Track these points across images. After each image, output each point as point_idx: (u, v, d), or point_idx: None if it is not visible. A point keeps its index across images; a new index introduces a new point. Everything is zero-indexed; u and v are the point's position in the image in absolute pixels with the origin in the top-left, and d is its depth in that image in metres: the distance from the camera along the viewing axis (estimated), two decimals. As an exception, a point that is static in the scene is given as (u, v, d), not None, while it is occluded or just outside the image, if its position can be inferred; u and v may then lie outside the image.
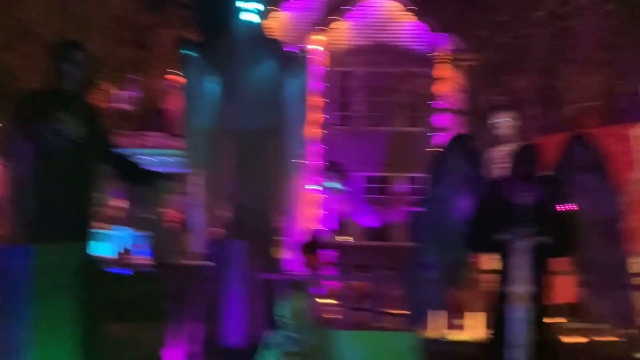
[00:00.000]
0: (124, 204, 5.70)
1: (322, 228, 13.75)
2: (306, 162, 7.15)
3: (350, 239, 13.42)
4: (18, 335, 3.43)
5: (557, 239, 4.96)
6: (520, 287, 4.84)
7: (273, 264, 6.50)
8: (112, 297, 4.47)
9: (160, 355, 5.02)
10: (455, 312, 7.81)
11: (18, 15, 7.90)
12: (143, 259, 10.48)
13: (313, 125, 7.04)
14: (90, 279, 4.25)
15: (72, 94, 4.37)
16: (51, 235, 4.23)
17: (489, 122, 7.46)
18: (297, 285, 6.50)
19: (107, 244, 13.29)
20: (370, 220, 12.01)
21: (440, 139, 13.89)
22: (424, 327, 6.11)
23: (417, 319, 5.79)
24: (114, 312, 4.57)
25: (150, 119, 14.84)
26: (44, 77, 5.10)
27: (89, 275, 4.18)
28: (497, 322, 5.24)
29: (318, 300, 6.41)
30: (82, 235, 4.27)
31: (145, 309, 4.91)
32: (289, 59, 6.89)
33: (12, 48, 8.18)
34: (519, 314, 4.85)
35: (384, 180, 14.63)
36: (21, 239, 4.20)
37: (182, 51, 6.86)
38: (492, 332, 5.38)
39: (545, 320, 5.06)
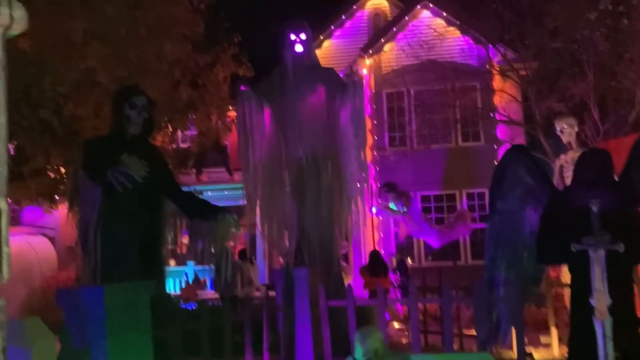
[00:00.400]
0: (186, 239, 5.84)
1: (383, 251, 13.60)
2: (367, 185, 7.09)
3: (412, 261, 13.20)
4: (96, 374, 3.50)
5: (634, 244, 4.69)
6: (600, 299, 4.59)
7: (339, 290, 6.44)
8: (182, 332, 4.55)
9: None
10: (532, 329, 7.50)
11: (81, 67, 8.35)
12: (208, 293, 10.64)
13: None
14: (161, 315, 4.35)
15: (135, 137, 4.55)
16: (121, 274, 4.36)
17: (550, 130, 7.24)
18: (364, 311, 6.42)
19: (171, 280, 13.61)
20: (432, 240, 11.76)
21: (499, 152, 13.57)
22: (499, 347, 5.88)
23: (491, 339, 5.58)
24: (185, 347, 4.65)
25: (210, 155, 15.25)
26: (108, 123, 5.33)
27: (159, 312, 4.28)
28: (578, 338, 4.98)
29: (386, 324, 6.29)
30: (152, 273, 4.39)
31: (215, 343, 4.98)
32: (342, 85, 6.93)
33: (76, 98, 8.63)
34: (601, 327, 4.60)
35: (443, 198, 14.38)
36: (92, 280, 4.35)
37: (235, 87, 7.04)
38: (573, 348, 5.12)
39: (631, 333, 4.77)
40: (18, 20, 0.69)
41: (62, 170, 9.79)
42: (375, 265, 10.86)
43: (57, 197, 10.24)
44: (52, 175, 9.87)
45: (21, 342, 2.27)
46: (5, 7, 0.56)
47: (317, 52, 10.51)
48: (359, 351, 3.22)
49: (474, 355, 4.55)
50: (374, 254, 11.29)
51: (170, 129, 11.80)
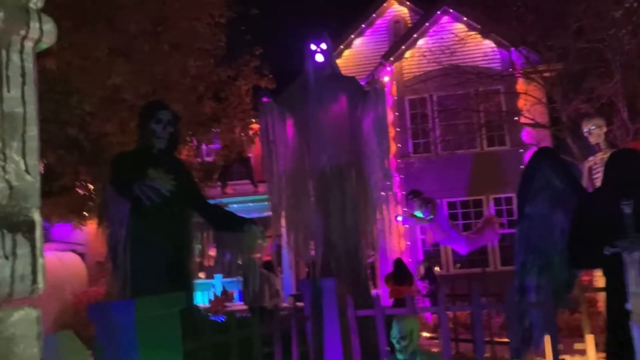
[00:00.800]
0: (214, 251, 5.87)
1: (410, 259, 13.49)
2: (392, 193, 7.05)
3: (439, 269, 13.06)
4: (128, 388, 3.52)
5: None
6: (637, 303, 4.47)
7: (367, 300, 6.40)
8: (212, 344, 4.56)
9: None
10: (566, 336, 7.34)
11: (106, 84, 8.53)
12: (236, 305, 10.67)
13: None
14: (190, 327, 4.37)
15: (161, 151, 4.61)
16: (151, 288, 4.40)
17: (578, 131, 7.11)
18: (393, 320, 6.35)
19: (200, 292, 13.71)
20: (460, 247, 11.63)
21: (525, 156, 13.39)
22: (532, 354, 5.76)
23: (523, 346, 5.47)
24: (215, 359, 4.65)
25: (234, 168, 15.38)
26: (134, 139, 5.41)
27: (189, 324, 4.30)
28: (615, 343, 4.85)
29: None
30: (181, 286, 4.41)
31: (244, 354, 4.97)
32: (364, 93, 6.92)
33: (102, 115, 8.80)
34: (639, 332, 4.48)
35: (470, 204, 14.23)
36: (122, 294, 4.39)
37: (257, 99, 7.09)
38: (611, 354, 4.98)
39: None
40: (47, 34, 0.70)
41: (91, 186, 9.96)
42: (400, 274, 10.77)
43: (86, 214, 10.42)
44: (80, 192, 10.05)
45: (55, 357, 2.29)
46: (35, 21, 0.58)
47: (338, 61, 10.54)
48: (395, 331, 3.26)
49: (508, 363, 4.46)
50: (398, 262, 11.20)
51: (195, 143, 11.93)
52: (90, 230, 11.40)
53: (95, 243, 11.32)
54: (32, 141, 0.58)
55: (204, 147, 13.58)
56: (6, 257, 0.56)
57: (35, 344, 0.56)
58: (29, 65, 0.57)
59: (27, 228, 0.57)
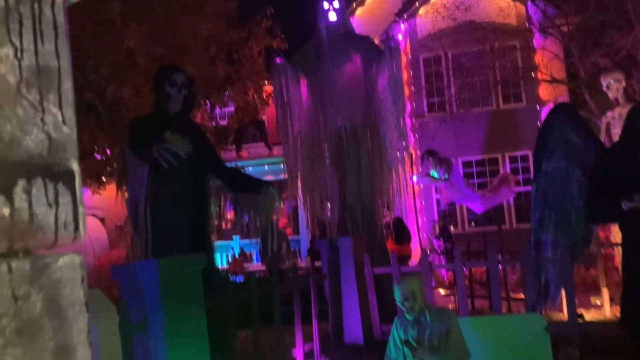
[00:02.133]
0: (231, 214, 5.95)
1: (424, 219, 13.54)
2: (407, 153, 7.02)
3: (455, 228, 13.11)
4: (154, 346, 3.64)
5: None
6: (654, 258, 4.47)
7: (383, 258, 6.48)
8: (234, 304, 4.67)
9: (285, 357, 5.18)
10: (582, 291, 7.39)
11: (120, 48, 8.52)
12: (255, 265, 10.84)
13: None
14: (212, 287, 4.47)
15: (176, 115, 4.63)
16: (172, 249, 4.50)
17: (595, 86, 6.99)
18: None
19: (218, 254, 13.93)
20: (476, 205, 11.63)
21: (542, 113, 13.21)
22: (548, 309, 5.83)
23: (540, 302, 5.53)
24: (236, 317, 4.77)
25: (249, 131, 15.39)
26: (149, 103, 5.43)
27: (210, 283, 4.40)
28: (631, 297, 4.88)
29: (432, 290, 6.30)
30: (201, 246, 4.50)
31: (264, 313, 5.09)
32: (378, 52, 6.84)
33: (117, 80, 8.81)
34: (656, 286, 4.50)
35: (485, 163, 14.15)
36: (144, 256, 4.49)
37: (270, 60, 7.04)
38: (626, 307, 5.02)
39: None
40: (78, -12, 0.71)
41: (108, 151, 10.06)
42: (400, 233, 10.83)
43: (104, 179, 10.55)
44: (99, 156, 10.16)
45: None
46: (65, -24, 0.59)
47: (351, 20, 10.38)
48: (397, 294, 3.30)
49: (524, 317, 4.52)
50: (398, 222, 11.24)
51: (209, 106, 11.93)
52: (109, 195, 11.56)
53: (115, 207, 11.49)
54: (68, 93, 0.59)
55: (217, 110, 13.58)
56: (49, 206, 0.58)
57: (80, 287, 0.59)
58: (61, 18, 0.58)
59: (67, 178, 0.59)
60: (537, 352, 3.64)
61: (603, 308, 6.38)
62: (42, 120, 0.56)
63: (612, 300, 6.25)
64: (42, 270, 0.55)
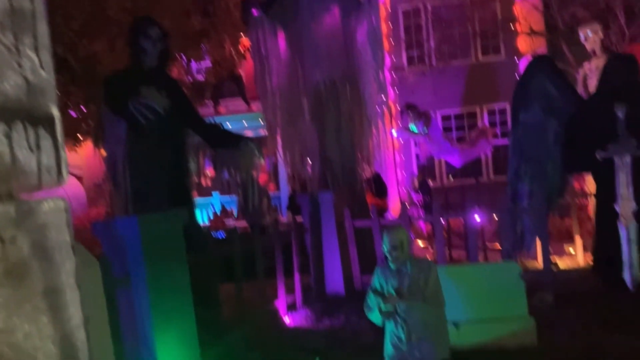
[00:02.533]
0: (211, 170, 5.93)
1: (404, 173, 13.66)
2: (387, 107, 7.01)
3: (433, 182, 13.24)
4: (138, 300, 3.67)
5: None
6: (625, 205, 4.60)
7: (363, 212, 6.55)
8: (216, 259, 4.71)
9: (269, 309, 5.28)
10: (556, 240, 7.59)
11: (92, 2, 8.24)
12: (235, 221, 10.88)
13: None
14: (194, 242, 4.50)
15: (152, 69, 4.54)
16: (152, 205, 4.49)
17: (573, 38, 6.99)
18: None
19: (198, 211, 13.92)
20: (454, 159, 11.74)
21: (520, 65, 13.21)
22: (523, 257, 5.99)
23: (515, 250, 5.68)
24: (221, 272, 4.83)
25: (226, 86, 15.16)
26: (124, 58, 5.30)
27: (192, 239, 4.43)
28: (603, 244, 5.04)
29: (411, 242, 6.42)
30: (181, 202, 4.50)
31: (247, 267, 5.15)
32: (357, 3, 6.72)
33: (91, 34, 8.55)
34: (626, 232, 4.64)
35: (464, 116, 14.22)
36: (124, 213, 4.47)
37: (247, 13, 6.88)
38: (598, 254, 5.19)
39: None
40: None
41: (84, 108, 9.85)
42: (379, 187, 10.94)
43: (80, 136, 10.37)
44: (74, 114, 9.95)
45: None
46: None
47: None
48: (386, 243, 3.38)
49: (500, 264, 4.65)
50: (377, 177, 11.34)
51: (185, 60, 11.68)
52: (86, 152, 11.40)
53: (92, 165, 11.37)
54: (44, 37, 0.58)
55: (194, 65, 13.32)
56: (31, 150, 0.58)
57: (66, 231, 0.59)
58: (33, -41, 0.57)
59: (48, 122, 0.59)
60: (513, 298, 3.77)
61: (576, 256, 6.58)
62: (19, 64, 0.55)
63: (585, 248, 6.43)
64: (27, 215, 0.55)
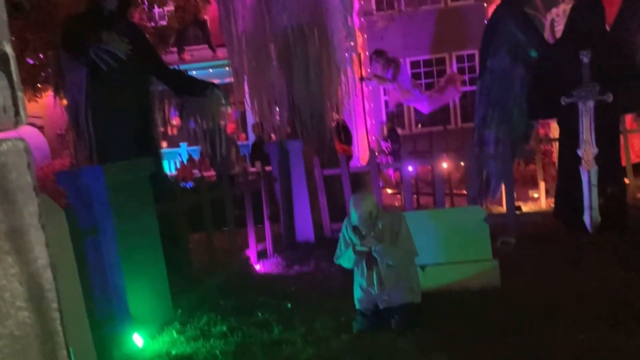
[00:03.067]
0: (177, 120, 5.81)
1: (372, 121, 13.67)
2: (356, 53, 6.93)
3: (402, 130, 13.33)
4: (106, 250, 3.65)
5: (623, 94, 4.73)
6: (587, 150, 4.72)
7: (332, 160, 6.56)
8: (185, 208, 4.69)
9: (239, 257, 5.32)
10: (521, 185, 7.78)
11: None
12: (203, 171, 10.81)
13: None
14: (162, 192, 4.45)
15: (112, 13, 4.36)
16: (117, 155, 4.40)
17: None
18: (357, 178, 6.59)
19: (165, 161, 13.73)
20: (423, 106, 11.79)
21: (488, 10, 13.15)
22: (488, 202, 6.13)
23: (481, 195, 5.80)
24: (191, 222, 4.81)
25: (190, 32, 14.72)
26: (82, 1, 5.08)
27: (160, 189, 4.38)
28: (564, 187, 5.19)
29: (380, 190, 6.50)
30: (147, 152, 4.42)
31: (216, 217, 5.15)
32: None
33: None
34: (587, 176, 4.78)
35: (433, 62, 14.19)
36: (89, 162, 4.38)
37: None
38: (560, 197, 5.35)
39: (615, 179, 4.97)
40: None
41: (41, 55, 9.47)
42: (346, 135, 10.99)
43: (39, 85, 10.01)
44: (31, 61, 9.56)
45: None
46: None
47: None
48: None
49: (466, 209, 4.75)
50: (343, 124, 11.34)
51: (147, 5, 11.25)
52: (46, 102, 11.04)
53: (53, 115, 11.03)
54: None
55: (156, 9, 12.85)
56: (-15, 89, 0.55)
57: (27, 172, 0.57)
58: None
59: (2, 61, 0.56)
60: (477, 241, 3.87)
61: (539, 200, 6.77)
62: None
63: (547, 192, 6.61)
64: (-16, 156, 0.53)
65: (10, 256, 0.54)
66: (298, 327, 3.50)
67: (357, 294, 3.49)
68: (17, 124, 0.58)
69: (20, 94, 0.57)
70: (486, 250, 3.89)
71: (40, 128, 14.39)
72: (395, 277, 3.38)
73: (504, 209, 5.87)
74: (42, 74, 9.63)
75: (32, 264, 0.56)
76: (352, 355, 3.03)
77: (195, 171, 12.22)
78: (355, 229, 3.40)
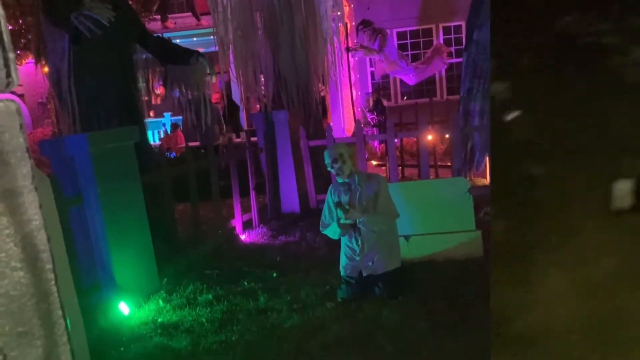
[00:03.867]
0: (161, 90, 5.74)
1: (358, 92, 13.63)
2: (342, 24, 6.86)
3: (388, 101, 13.30)
4: (91, 218, 3.64)
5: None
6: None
7: (318, 131, 6.55)
8: (169, 178, 4.67)
9: (225, 228, 5.33)
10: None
11: None
12: (187, 141, 10.75)
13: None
14: (146, 162, 4.43)
15: (94, -21, 4.26)
16: (101, 123, 4.36)
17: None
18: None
19: (150, 131, 13.59)
20: (409, 77, 11.76)
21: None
22: (472, 174, 6.18)
23: (465, 167, 5.84)
24: (174, 192, 4.80)
25: (175, 0, 14.46)
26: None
27: (144, 158, 4.35)
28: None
29: (365, 161, 6.51)
30: (131, 121, 4.37)
31: (203, 188, 5.13)
32: None
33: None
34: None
35: (420, 33, 14.10)
36: (72, 131, 4.33)
37: None
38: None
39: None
40: None
41: (20, 21, 9.25)
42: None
43: (19, 52, 9.79)
44: (10, 27, 9.33)
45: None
46: None
47: None
48: (326, 158, 3.49)
49: (450, 180, 4.80)
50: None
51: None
52: (26, 70, 10.82)
53: (34, 83, 10.84)
54: None
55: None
56: (-24, 49, 0.55)
57: (20, 133, 0.57)
58: None
59: (-9, 20, 0.56)
60: (461, 212, 3.93)
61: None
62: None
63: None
64: (-24, 117, 0.53)
65: (5, 217, 0.55)
66: (283, 296, 3.55)
67: (343, 261, 3.55)
68: (8, 85, 0.58)
69: (11, 55, 0.57)
70: (469, 221, 3.95)
71: (20, 96, 14.13)
72: (378, 243, 3.44)
73: (487, 181, 5.93)
74: (22, 40, 9.41)
75: (26, 225, 0.57)
76: (337, 322, 3.08)
77: (178, 141, 12.11)
78: (339, 204, 3.46)
